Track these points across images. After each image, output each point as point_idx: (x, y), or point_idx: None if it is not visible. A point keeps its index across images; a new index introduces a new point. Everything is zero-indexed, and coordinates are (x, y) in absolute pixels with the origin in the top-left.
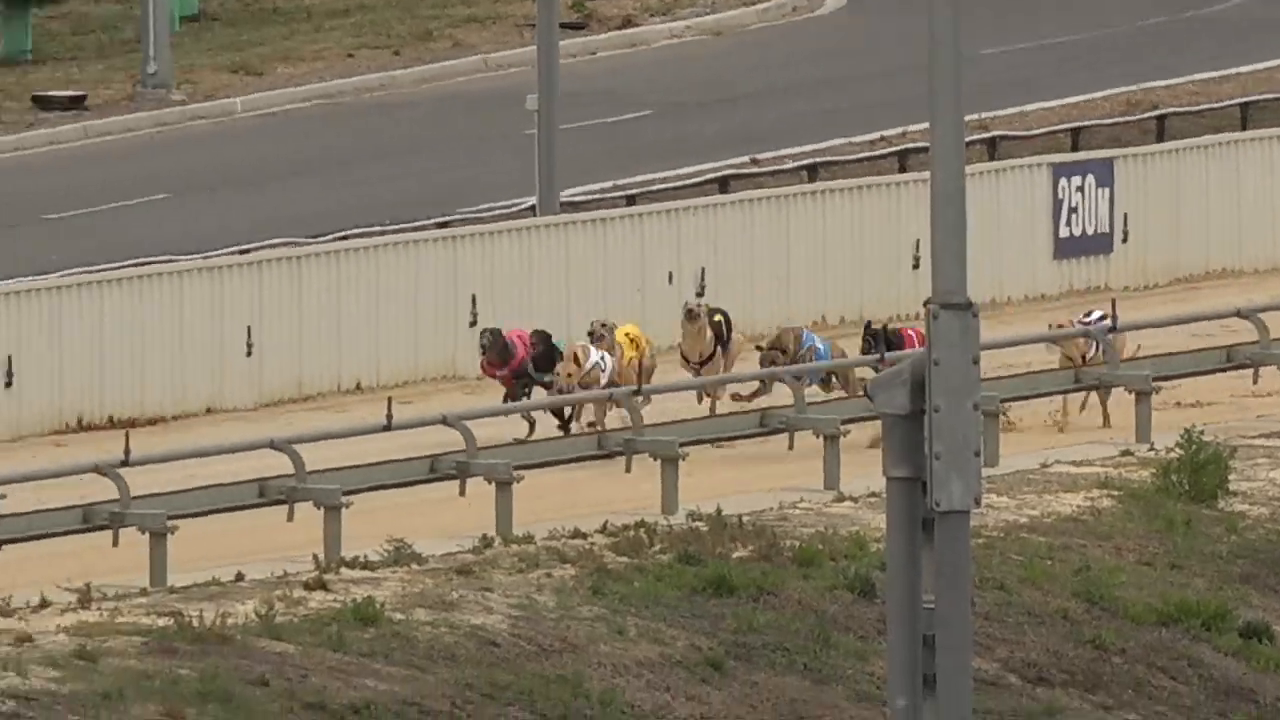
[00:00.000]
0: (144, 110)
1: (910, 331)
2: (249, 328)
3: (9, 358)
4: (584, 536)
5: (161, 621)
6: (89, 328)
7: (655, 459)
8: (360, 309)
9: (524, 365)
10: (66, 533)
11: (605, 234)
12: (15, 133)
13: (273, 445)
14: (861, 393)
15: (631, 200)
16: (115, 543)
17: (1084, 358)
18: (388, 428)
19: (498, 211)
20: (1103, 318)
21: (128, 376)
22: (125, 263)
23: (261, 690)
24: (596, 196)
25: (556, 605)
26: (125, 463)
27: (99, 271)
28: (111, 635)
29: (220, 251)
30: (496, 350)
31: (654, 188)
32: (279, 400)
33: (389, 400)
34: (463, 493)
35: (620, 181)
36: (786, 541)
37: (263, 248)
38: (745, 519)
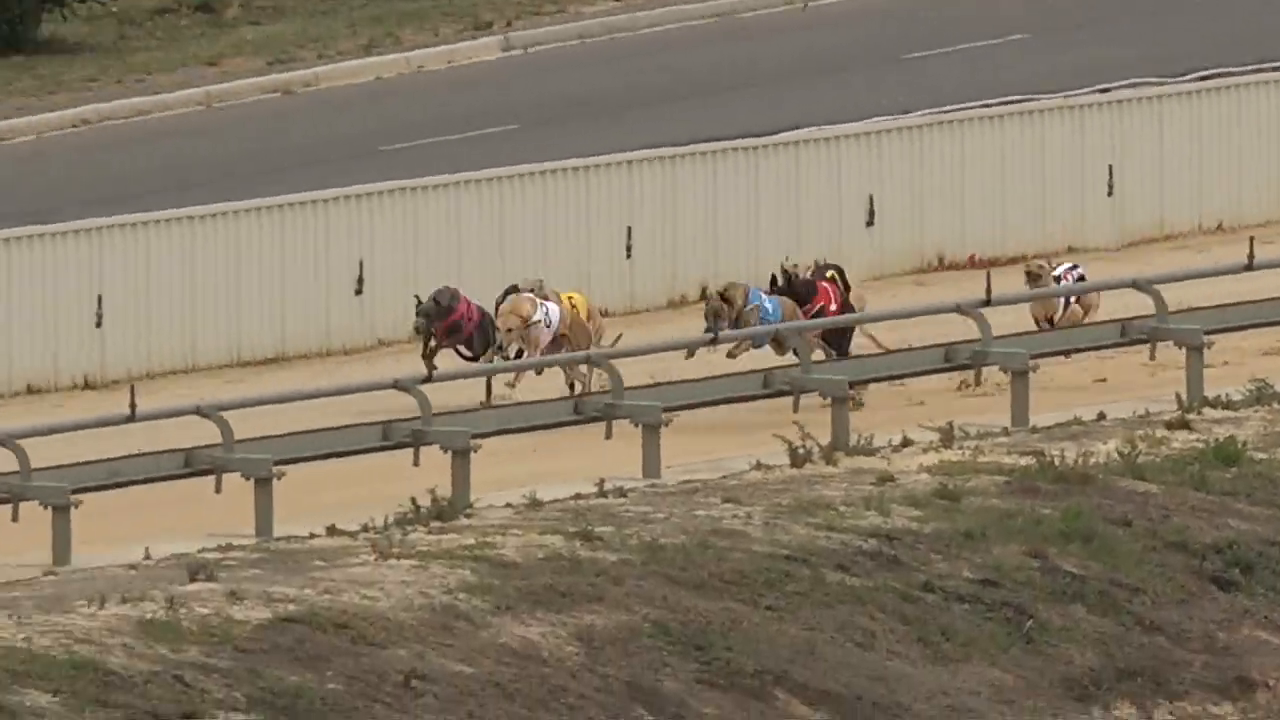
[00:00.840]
0: None
1: (823, 284)
2: (1110, 167)
3: (870, 196)
4: None
5: (1023, 461)
6: (949, 166)
7: None
8: (1221, 148)
9: (473, 336)
10: (926, 373)
11: None
12: None
13: (1135, 285)
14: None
15: None
16: (976, 382)
17: (1051, 319)
18: (1249, 267)
19: None
20: (1073, 267)
21: (989, 215)
22: (989, 101)
23: (1124, 530)
24: None
25: None
26: (987, 302)
27: (959, 110)
28: (973, 474)
29: (1081, 91)
30: (445, 328)
31: None
32: (1141, 240)
33: (1250, 240)
34: None
35: None
36: None
37: (1123, 87)
38: None
